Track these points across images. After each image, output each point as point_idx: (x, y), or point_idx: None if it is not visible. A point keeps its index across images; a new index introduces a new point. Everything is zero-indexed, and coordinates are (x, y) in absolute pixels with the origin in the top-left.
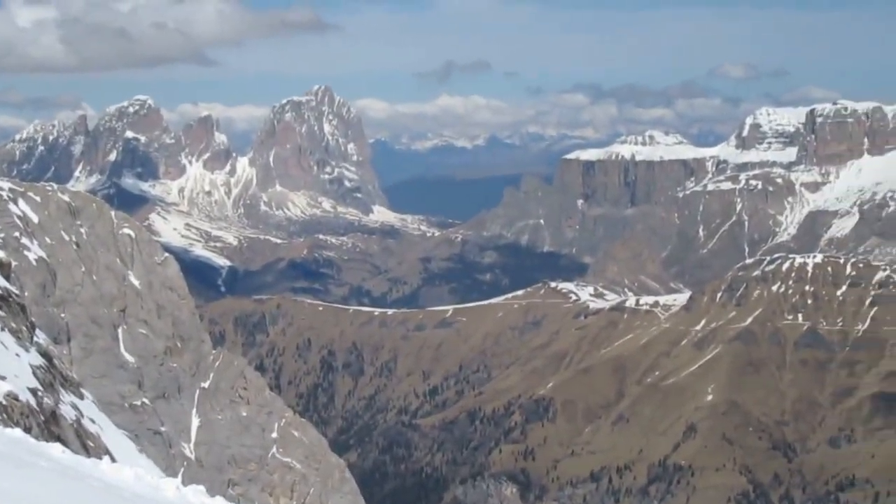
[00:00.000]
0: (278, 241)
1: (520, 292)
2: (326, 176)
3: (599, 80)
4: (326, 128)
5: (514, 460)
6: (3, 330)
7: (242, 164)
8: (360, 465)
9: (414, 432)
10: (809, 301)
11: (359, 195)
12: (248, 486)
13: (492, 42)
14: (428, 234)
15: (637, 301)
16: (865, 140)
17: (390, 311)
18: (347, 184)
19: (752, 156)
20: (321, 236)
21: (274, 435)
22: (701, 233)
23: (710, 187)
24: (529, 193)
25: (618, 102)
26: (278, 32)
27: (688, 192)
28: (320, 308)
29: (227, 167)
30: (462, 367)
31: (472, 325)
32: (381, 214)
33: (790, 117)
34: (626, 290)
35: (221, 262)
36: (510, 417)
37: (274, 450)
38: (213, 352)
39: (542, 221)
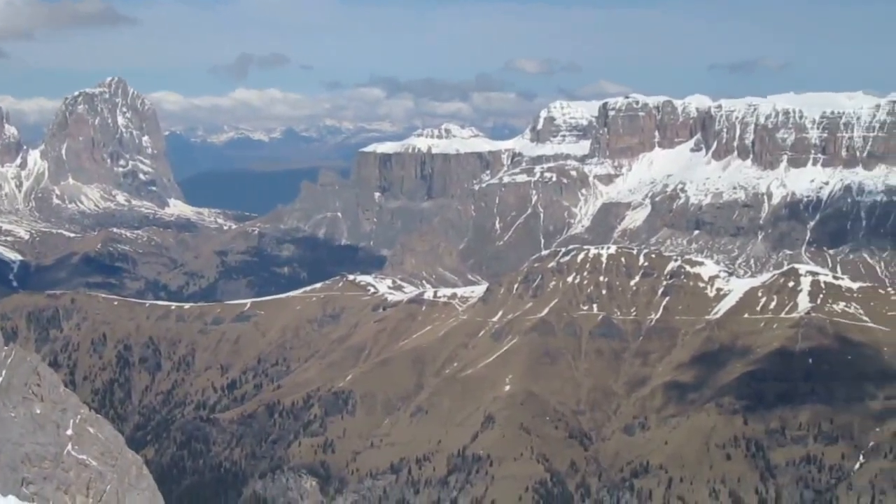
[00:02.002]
0: (71, 234)
1: (318, 285)
2: (120, 169)
3: (396, 74)
4: (120, 120)
5: (313, 453)
6: None
7: (34, 156)
8: (157, 460)
9: (212, 427)
10: (604, 291)
11: (154, 188)
12: (43, 484)
13: (288, 35)
14: (225, 228)
15: (435, 293)
16: (656, 133)
17: (187, 306)
18: (142, 177)
19: (546, 149)
20: (115, 230)
21: (69, 432)
22: (497, 225)
23: (506, 180)
24: (327, 186)
25: (414, 96)
26: (71, 24)
27: (484, 185)
28: (115, 303)
29: (18, 160)
30: (261, 361)
31: (270, 318)
32: (177, 208)
33: (584, 111)
34: (423, 282)
35: (13, 256)
36: (309, 410)
37: (69, 447)
38: (6, 348)
39: (339, 214)
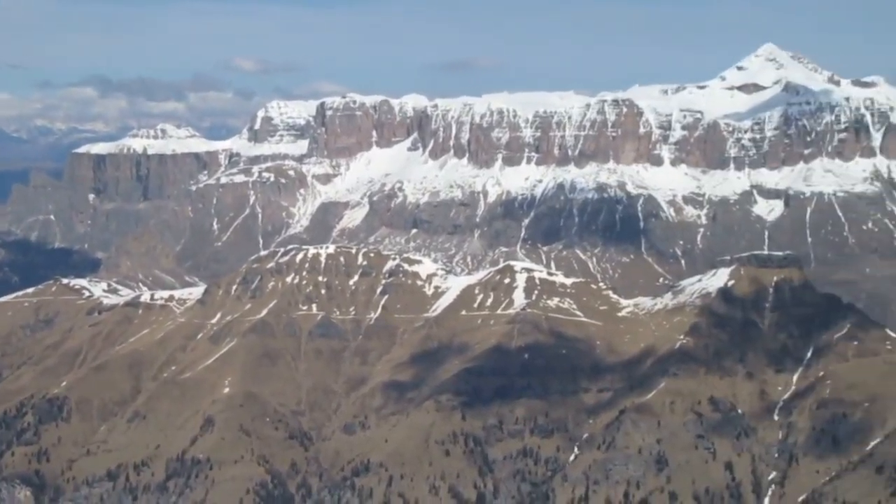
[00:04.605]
0: None
1: (30, 290)
2: None
3: (109, 73)
4: None
5: (27, 462)
6: None
7: None
8: None
9: None
10: (323, 291)
11: None
12: None
13: None
14: None
15: (152, 296)
16: (374, 133)
17: None
18: None
19: (264, 149)
20: None
21: None
22: (215, 226)
23: (224, 180)
24: (38, 188)
25: (128, 96)
26: None
27: (201, 186)
28: None
29: None
30: None
31: None
32: None
33: (301, 110)
34: (140, 285)
35: None
36: (23, 418)
37: None
38: None
39: (52, 217)
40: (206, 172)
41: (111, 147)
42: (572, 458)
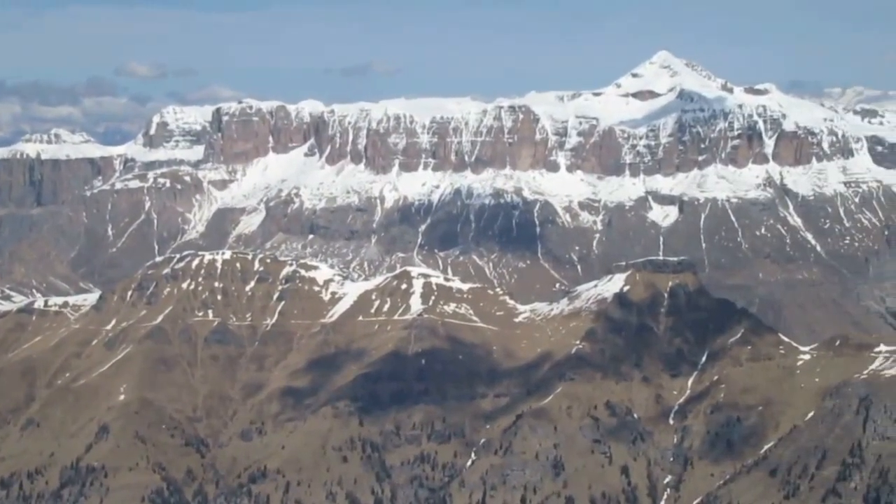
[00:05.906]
0: None
1: None
2: None
3: (2, 77)
4: None
5: None
6: None
7: None
8: None
9: None
10: (219, 297)
11: None
12: None
13: None
14: None
15: (46, 302)
16: (271, 138)
17: None
18: None
19: (160, 154)
20: None
21: None
22: (110, 232)
23: (119, 186)
24: None
25: (22, 100)
26: None
27: (96, 191)
28: None
29: None
30: None
31: None
32: None
33: (197, 116)
34: (34, 291)
35: None
36: None
37: None
38: None
39: None
40: (100, 178)
41: (4, 152)
42: (469, 463)
